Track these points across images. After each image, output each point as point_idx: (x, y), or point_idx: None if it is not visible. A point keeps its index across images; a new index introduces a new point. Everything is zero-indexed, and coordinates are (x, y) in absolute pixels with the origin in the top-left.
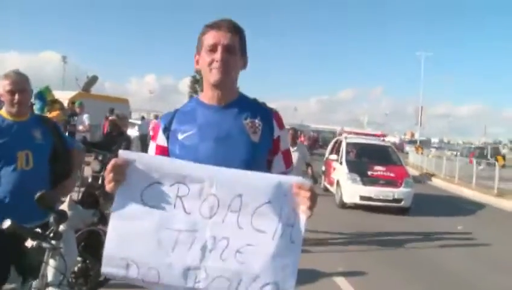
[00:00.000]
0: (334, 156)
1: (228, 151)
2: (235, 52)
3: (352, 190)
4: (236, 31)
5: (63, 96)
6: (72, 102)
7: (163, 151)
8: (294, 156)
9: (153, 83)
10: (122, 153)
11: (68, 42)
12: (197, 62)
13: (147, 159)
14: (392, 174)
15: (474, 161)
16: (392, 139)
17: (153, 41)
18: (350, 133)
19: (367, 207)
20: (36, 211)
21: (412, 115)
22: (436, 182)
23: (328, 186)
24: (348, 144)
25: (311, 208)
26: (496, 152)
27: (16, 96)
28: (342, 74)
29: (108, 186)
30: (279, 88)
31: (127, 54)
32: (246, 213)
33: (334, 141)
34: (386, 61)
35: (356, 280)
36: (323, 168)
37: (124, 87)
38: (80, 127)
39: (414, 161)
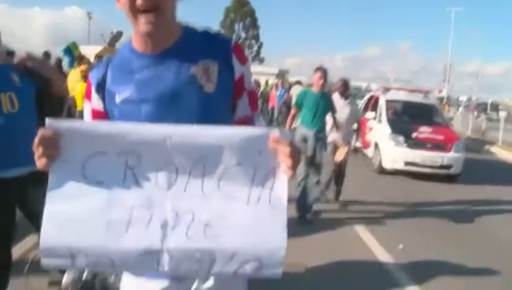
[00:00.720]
0: (371, 114)
1: (176, 113)
2: None
3: (395, 154)
4: None
5: (89, 51)
6: (98, 57)
7: (99, 116)
8: (345, 112)
9: None
10: (51, 122)
11: None
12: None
13: (84, 126)
14: (440, 137)
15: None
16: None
17: None
18: (387, 89)
19: (409, 173)
20: (26, 156)
21: (440, 72)
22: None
23: (362, 148)
24: (387, 101)
25: (292, 166)
26: (495, 108)
27: None
28: (369, 30)
29: (39, 163)
30: (303, 44)
31: None
32: (211, 179)
33: (367, 97)
34: (414, 17)
35: (396, 252)
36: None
37: None
38: None
39: None
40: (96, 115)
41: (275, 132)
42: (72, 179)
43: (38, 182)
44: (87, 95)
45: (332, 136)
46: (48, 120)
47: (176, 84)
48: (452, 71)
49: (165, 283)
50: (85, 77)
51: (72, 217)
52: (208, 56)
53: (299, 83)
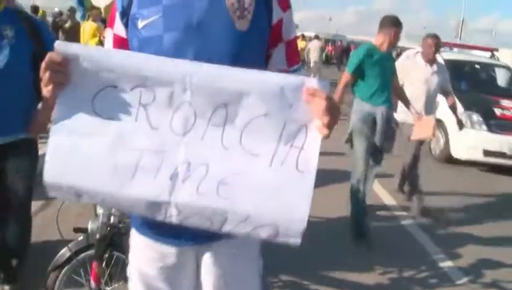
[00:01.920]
0: None
1: (202, 45)
2: None
3: (471, 140)
4: None
5: (97, 1)
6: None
7: (122, 44)
8: (432, 82)
9: None
10: (60, 45)
11: None
12: None
13: (96, 54)
14: None
15: None
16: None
17: None
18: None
19: (487, 165)
20: (11, 123)
21: (453, 29)
22: None
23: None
24: (446, 63)
25: (329, 125)
26: None
27: None
28: None
29: (45, 90)
30: None
31: None
32: (233, 129)
33: (405, 54)
34: None
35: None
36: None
37: None
38: None
39: None
40: (118, 41)
41: (311, 82)
42: (80, 111)
43: (23, 153)
44: (110, 23)
45: (400, 115)
46: (57, 43)
47: (205, 14)
48: (465, 27)
49: (172, 250)
50: (95, 35)
51: (76, 154)
52: None
53: (317, 37)
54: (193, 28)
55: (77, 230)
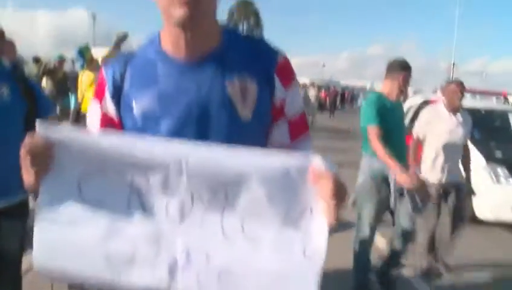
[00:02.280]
0: None
1: (202, 134)
2: None
3: (497, 197)
4: None
5: (95, 53)
6: (106, 58)
7: (112, 123)
8: (457, 134)
9: None
10: (42, 127)
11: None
12: None
13: (82, 136)
14: None
15: None
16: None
17: None
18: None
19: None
20: (6, 186)
21: (443, 71)
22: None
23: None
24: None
25: (336, 208)
26: None
27: None
28: (372, 28)
29: (26, 177)
30: (307, 43)
31: (155, 8)
32: (233, 213)
33: (418, 103)
34: (417, 15)
35: None
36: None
37: None
38: None
39: None
40: (107, 121)
41: (317, 163)
42: (66, 197)
43: (15, 217)
44: (98, 94)
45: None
46: (39, 123)
47: (207, 99)
48: (456, 69)
49: None
50: (92, 84)
51: (66, 242)
52: (247, 70)
53: (312, 85)
54: (191, 117)
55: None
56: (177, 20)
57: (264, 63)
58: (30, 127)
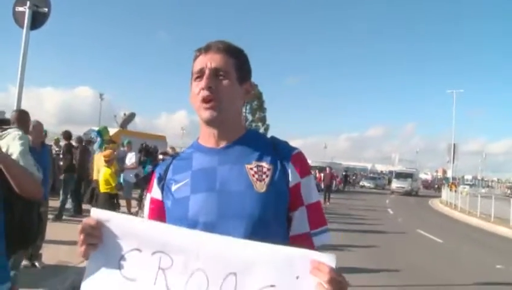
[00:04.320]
0: None
1: (223, 206)
2: (228, 76)
3: None
4: (229, 51)
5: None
6: (112, 140)
7: (158, 205)
8: None
9: (184, 120)
10: (95, 212)
11: (102, 79)
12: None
13: (123, 221)
14: None
15: None
16: (423, 176)
17: (183, 79)
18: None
19: None
20: None
21: (443, 151)
22: (471, 221)
23: None
24: None
25: None
26: None
27: None
28: (372, 110)
29: (80, 250)
30: (307, 125)
31: (158, 90)
32: None
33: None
34: (416, 98)
35: None
36: None
37: (154, 123)
38: (129, 165)
39: (447, 199)
40: (154, 203)
41: (317, 255)
42: (107, 271)
43: None
44: (149, 188)
45: None
46: (92, 210)
47: (228, 177)
48: (456, 150)
49: None
50: (108, 161)
51: None
52: (264, 158)
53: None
54: (215, 191)
55: None
56: (205, 120)
57: (280, 154)
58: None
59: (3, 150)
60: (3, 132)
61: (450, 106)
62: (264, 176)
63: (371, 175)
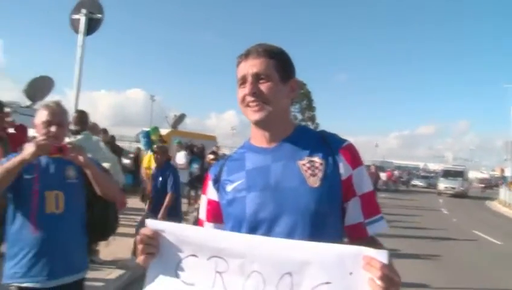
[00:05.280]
0: None
1: (279, 202)
2: (270, 78)
3: None
4: (269, 54)
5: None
6: (163, 140)
7: (214, 206)
8: None
9: (233, 119)
10: (151, 223)
11: (153, 81)
12: None
13: (178, 229)
14: None
15: None
16: (480, 175)
17: (231, 79)
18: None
19: None
20: (68, 264)
21: (500, 149)
22: None
23: None
24: None
25: None
26: None
27: (53, 129)
28: (422, 108)
29: (140, 259)
30: (358, 123)
31: (207, 90)
32: None
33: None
34: (469, 94)
35: None
36: None
37: (204, 123)
38: (179, 164)
39: (506, 199)
40: (211, 204)
41: (368, 251)
42: (167, 278)
43: None
44: (204, 190)
45: None
46: (148, 221)
47: (282, 174)
48: None
49: None
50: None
51: None
52: (315, 153)
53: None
54: (270, 188)
55: None
56: (253, 123)
57: (330, 146)
58: (92, 201)
59: (96, 155)
60: (78, 136)
61: (506, 101)
62: (316, 171)
63: (423, 174)
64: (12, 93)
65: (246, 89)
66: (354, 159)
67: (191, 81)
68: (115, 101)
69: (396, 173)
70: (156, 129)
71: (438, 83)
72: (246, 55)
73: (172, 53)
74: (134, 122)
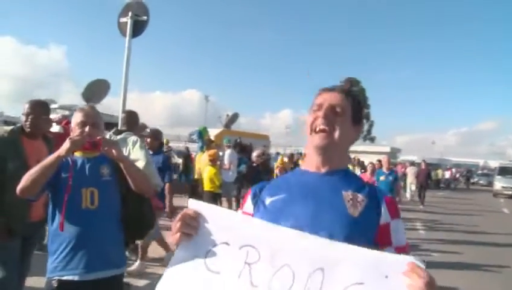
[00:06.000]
0: None
1: (315, 221)
2: (343, 113)
3: None
4: (350, 94)
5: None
6: (216, 139)
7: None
8: None
9: (288, 119)
10: (193, 203)
11: (207, 81)
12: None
13: (219, 213)
14: None
15: None
16: None
17: (289, 78)
18: None
19: None
20: (102, 259)
21: None
22: None
23: None
24: None
25: None
26: None
27: (87, 129)
28: (482, 103)
29: (173, 238)
30: (413, 121)
31: (262, 90)
32: None
33: None
34: None
35: None
36: None
37: (258, 122)
38: (227, 164)
39: None
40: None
41: (408, 258)
42: (193, 262)
43: (110, 289)
44: (241, 205)
45: None
46: (190, 200)
47: (323, 197)
48: None
49: None
50: (212, 160)
51: None
52: (360, 191)
53: (412, 164)
54: (311, 204)
55: None
56: (315, 145)
57: (375, 192)
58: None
59: (125, 154)
60: (119, 136)
61: None
62: (358, 205)
63: (484, 171)
64: (74, 96)
65: (321, 112)
66: (395, 210)
67: (246, 81)
68: (171, 102)
69: (453, 170)
70: (205, 129)
71: (498, 79)
72: (331, 89)
73: (228, 52)
74: (190, 123)
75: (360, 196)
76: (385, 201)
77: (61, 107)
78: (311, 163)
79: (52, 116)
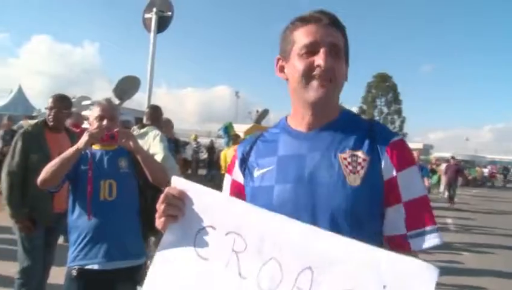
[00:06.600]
0: None
1: (312, 199)
2: (341, 55)
3: None
4: (340, 26)
5: (238, 129)
6: (247, 134)
7: (239, 189)
8: None
9: None
10: (176, 180)
11: (237, 77)
12: (281, 69)
13: (203, 193)
14: None
15: None
16: None
17: None
18: None
19: None
20: (124, 249)
21: None
22: None
23: None
24: None
25: None
26: None
27: (105, 123)
28: None
29: (158, 222)
30: (446, 117)
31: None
32: None
33: None
34: None
35: None
36: None
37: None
38: None
39: None
40: (236, 186)
41: (411, 263)
42: (183, 247)
43: (129, 280)
44: (229, 169)
45: None
46: (173, 177)
47: (318, 167)
48: None
49: None
50: None
51: (168, 280)
52: (360, 146)
53: (448, 161)
54: (303, 182)
55: None
56: (312, 100)
57: (377, 140)
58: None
59: (145, 147)
60: (141, 130)
61: None
62: (358, 168)
63: None
64: (107, 93)
65: (321, 61)
66: (403, 157)
67: (276, 76)
68: (202, 98)
69: (489, 167)
70: (231, 125)
71: None
72: (318, 19)
73: (258, 48)
74: (221, 119)
75: (360, 155)
76: (388, 149)
77: None
78: (299, 118)
79: (87, 112)
